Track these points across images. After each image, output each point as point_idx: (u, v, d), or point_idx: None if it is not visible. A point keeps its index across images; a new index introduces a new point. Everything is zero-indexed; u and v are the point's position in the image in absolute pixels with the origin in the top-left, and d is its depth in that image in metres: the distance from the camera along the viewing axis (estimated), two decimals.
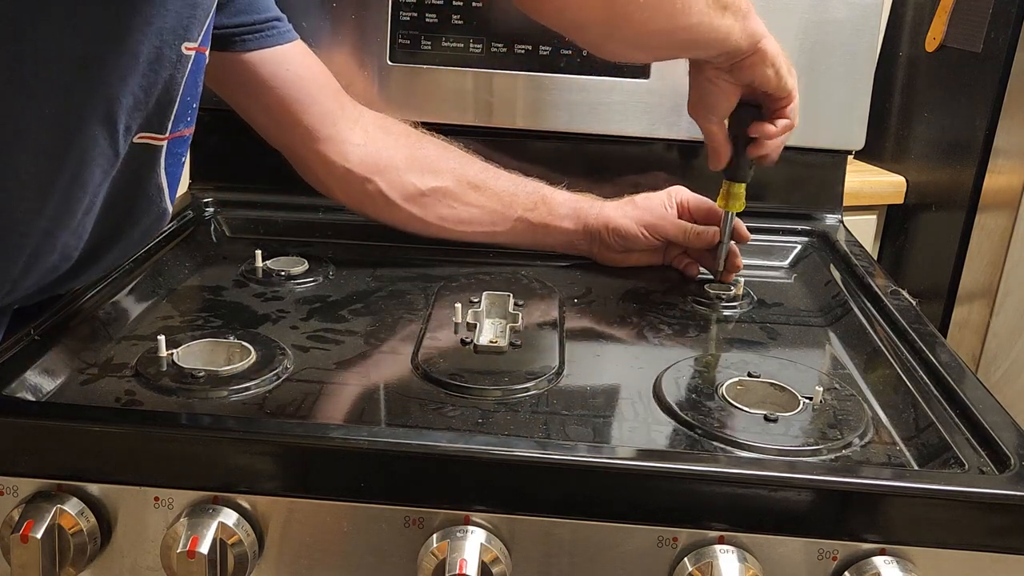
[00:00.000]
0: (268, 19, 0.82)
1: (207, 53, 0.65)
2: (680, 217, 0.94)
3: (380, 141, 0.89)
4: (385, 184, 0.88)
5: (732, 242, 0.90)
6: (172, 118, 0.63)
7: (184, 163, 0.69)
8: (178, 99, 0.63)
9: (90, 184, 0.60)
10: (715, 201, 0.90)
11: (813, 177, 1.05)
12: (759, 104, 0.84)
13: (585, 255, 0.96)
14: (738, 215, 0.90)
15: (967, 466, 0.58)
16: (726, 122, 0.85)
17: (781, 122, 0.83)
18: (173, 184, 0.68)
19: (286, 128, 0.86)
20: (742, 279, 0.91)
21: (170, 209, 0.69)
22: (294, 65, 0.84)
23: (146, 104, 0.60)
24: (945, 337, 1.10)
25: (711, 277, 0.92)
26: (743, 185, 0.88)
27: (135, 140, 0.61)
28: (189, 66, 0.62)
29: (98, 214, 0.63)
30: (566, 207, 0.93)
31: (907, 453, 0.63)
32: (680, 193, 0.95)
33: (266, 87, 0.83)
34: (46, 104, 0.55)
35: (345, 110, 0.88)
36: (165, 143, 0.64)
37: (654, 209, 0.93)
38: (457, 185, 0.91)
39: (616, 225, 0.92)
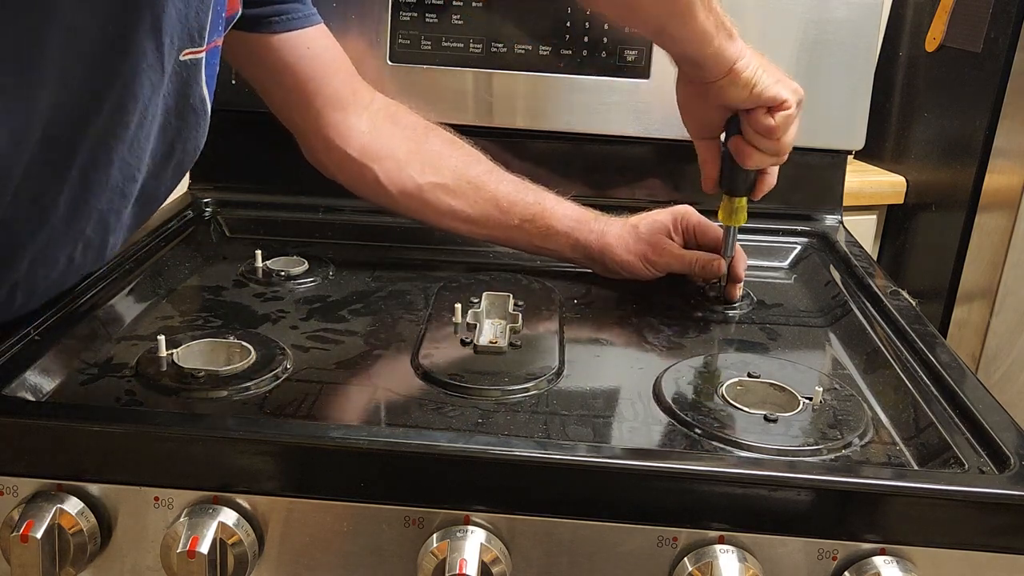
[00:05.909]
0: (293, 1, 0.84)
1: None
2: (685, 243, 0.90)
3: (385, 131, 0.89)
4: (383, 174, 0.88)
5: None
6: (208, 29, 0.65)
7: (216, 72, 0.71)
8: (211, 8, 0.64)
9: (140, 96, 0.60)
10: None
11: (813, 177, 1.05)
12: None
13: (584, 268, 0.93)
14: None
15: (967, 466, 0.58)
16: (720, 140, 0.84)
17: (766, 120, 0.77)
18: (211, 95, 0.70)
19: (297, 107, 0.87)
20: None
21: (209, 120, 0.72)
22: (314, 47, 0.86)
23: (186, 16, 0.61)
24: (945, 337, 1.10)
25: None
26: (743, 199, 0.85)
27: (180, 58, 0.63)
28: None
29: (155, 133, 0.64)
30: (565, 223, 0.90)
31: (907, 453, 0.63)
32: (687, 218, 0.90)
33: (285, 67, 0.85)
34: (98, 11, 0.56)
35: (357, 95, 0.89)
36: (204, 55, 0.66)
37: (658, 243, 0.89)
38: (456, 184, 0.89)
39: (620, 260, 0.89)
